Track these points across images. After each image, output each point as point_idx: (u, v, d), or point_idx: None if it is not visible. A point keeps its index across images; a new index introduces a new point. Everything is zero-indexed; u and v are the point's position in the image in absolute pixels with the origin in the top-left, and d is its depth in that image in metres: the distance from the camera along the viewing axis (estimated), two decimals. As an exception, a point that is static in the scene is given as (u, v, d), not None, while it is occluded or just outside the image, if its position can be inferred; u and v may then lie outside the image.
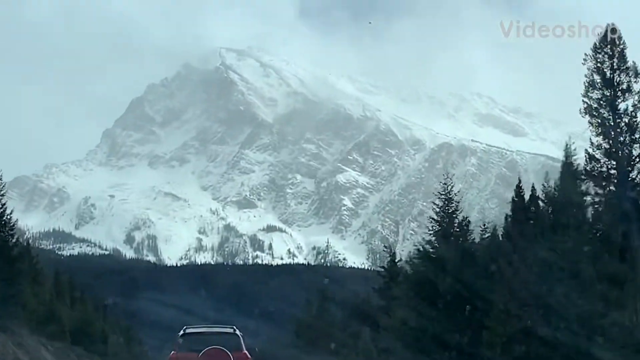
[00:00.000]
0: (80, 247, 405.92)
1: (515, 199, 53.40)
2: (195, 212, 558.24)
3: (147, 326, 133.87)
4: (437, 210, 56.27)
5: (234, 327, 36.70)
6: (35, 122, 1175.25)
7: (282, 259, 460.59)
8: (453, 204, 57.11)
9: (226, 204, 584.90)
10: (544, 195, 49.47)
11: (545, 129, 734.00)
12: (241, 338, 35.54)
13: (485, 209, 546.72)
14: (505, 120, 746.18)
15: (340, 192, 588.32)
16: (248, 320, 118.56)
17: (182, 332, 35.56)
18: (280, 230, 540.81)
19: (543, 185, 48.63)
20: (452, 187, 56.19)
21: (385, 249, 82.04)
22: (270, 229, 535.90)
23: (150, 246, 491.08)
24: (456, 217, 56.27)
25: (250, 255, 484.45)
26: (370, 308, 78.42)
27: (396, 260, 75.87)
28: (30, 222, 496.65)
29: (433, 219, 56.83)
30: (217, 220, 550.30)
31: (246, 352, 34.85)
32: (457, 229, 55.99)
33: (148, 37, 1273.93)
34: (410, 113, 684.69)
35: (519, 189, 53.66)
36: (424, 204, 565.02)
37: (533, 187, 51.64)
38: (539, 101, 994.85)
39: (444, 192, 56.80)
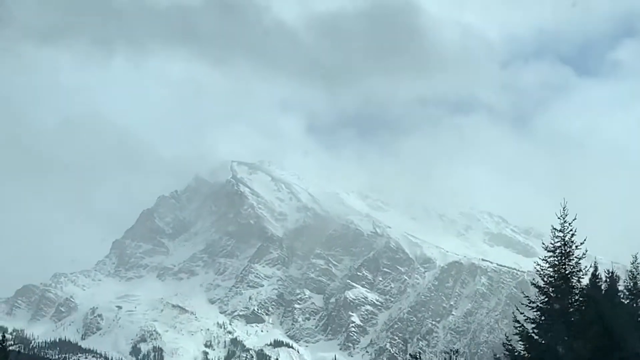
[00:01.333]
0: (86, 358, 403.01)
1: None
2: (202, 325, 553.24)
3: None
4: (551, 273, 53.14)
5: None
6: (44, 232, 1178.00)
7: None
8: (572, 261, 54.16)
9: (233, 317, 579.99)
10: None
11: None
12: None
13: (495, 329, 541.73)
14: (517, 240, 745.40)
15: (349, 308, 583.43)
16: None
17: None
18: (288, 345, 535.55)
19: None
20: (572, 235, 53.28)
21: (410, 358, 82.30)
22: (277, 344, 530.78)
23: (157, 358, 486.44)
24: (577, 281, 53.30)
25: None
26: None
27: None
28: (36, 331, 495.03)
29: (538, 286, 53.61)
30: (224, 333, 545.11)
31: None
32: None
33: (159, 149, 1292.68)
34: (420, 231, 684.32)
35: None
36: (433, 322, 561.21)
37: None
38: (550, 223, 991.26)
39: (561, 242, 53.44)
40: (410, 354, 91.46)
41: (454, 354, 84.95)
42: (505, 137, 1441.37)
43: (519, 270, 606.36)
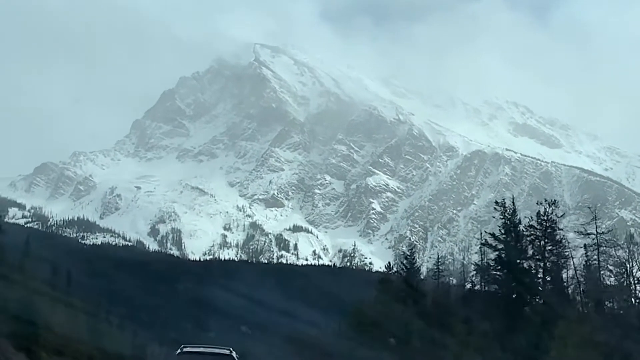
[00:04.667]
0: (104, 237, 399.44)
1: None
2: (221, 207, 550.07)
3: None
4: None
5: (231, 349, 36.88)
6: (65, 110, 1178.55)
7: (307, 259, 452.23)
8: None
9: (253, 201, 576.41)
10: None
11: (580, 142, 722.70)
12: None
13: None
14: (541, 131, 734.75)
15: (370, 195, 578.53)
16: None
17: (179, 350, 35.57)
18: (307, 230, 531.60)
19: None
20: None
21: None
22: (296, 229, 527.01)
23: (175, 240, 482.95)
24: None
25: (275, 254, 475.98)
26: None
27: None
28: (55, 209, 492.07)
29: None
30: (243, 217, 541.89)
31: None
32: None
33: (174, 29, 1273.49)
34: (444, 119, 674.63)
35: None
36: (454, 211, 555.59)
37: None
38: (576, 114, 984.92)
39: None
40: (495, 202, 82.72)
41: (550, 206, 75.65)
42: (520, 25, 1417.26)
43: (542, 161, 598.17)
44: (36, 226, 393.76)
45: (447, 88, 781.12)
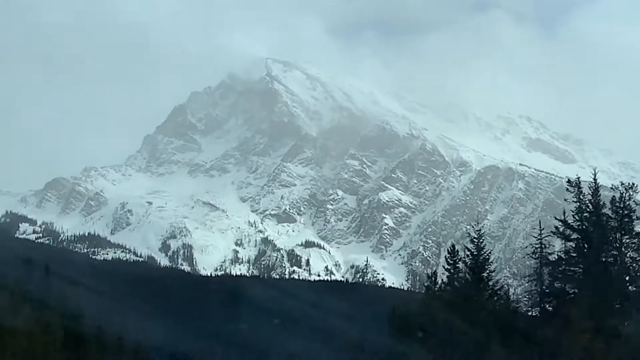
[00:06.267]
0: (115, 253, 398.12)
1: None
2: (233, 223, 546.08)
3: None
4: None
5: None
6: (76, 125, 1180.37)
7: (319, 275, 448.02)
8: None
9: (265, 216, 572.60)
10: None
11: (595, 157, 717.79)
12: None
13: (529, 235, 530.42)
14: (555, 146, 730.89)
15: (382, 210, 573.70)
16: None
17: None
18: (319, 246, 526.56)
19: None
20: None
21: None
22: (308, 244, 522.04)
23: (186, 255, 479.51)
24: None
25: (287, 270, 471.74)
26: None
27: None
28: (66, 224, 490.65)
29: None
30: (254, 232, 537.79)
31: None
32: None
33: (193, 46, 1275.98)
34: (457, 133, 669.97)
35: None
36: (468, 226, 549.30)
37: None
38: (589, 129, 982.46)
39: None
40: (567, 181, 69.06)
41: (627, 190, 64.51)
42: (528, 38, 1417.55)
43: (556, 176, 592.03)
44: (47, 241, 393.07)
45: (459, 102, 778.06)
